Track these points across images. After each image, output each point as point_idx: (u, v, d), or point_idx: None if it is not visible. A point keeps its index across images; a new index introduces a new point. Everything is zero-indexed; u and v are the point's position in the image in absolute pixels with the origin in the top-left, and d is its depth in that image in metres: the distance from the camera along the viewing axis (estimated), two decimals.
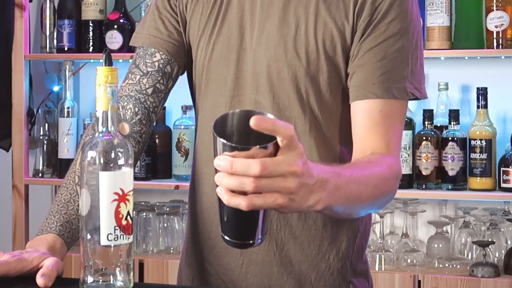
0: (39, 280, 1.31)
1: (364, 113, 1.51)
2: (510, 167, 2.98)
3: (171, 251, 3.31)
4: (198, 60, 1.60)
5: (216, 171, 1.17)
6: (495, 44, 3.02)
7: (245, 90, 1.56)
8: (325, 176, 1.24)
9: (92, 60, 3.47)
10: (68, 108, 3.43)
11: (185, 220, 3.22)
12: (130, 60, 3.47)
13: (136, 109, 1.58)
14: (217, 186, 1.17)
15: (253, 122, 1.13)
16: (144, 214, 3.33)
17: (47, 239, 1.46)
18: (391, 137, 1.51)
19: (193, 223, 1.64)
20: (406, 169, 3.05)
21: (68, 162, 3.41)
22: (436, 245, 3.11)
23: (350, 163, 1.48)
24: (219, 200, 1.18)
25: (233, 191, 1.16)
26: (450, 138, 3.05)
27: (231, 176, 1.14)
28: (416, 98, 1.55)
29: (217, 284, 1.58)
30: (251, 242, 1.21)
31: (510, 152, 3.01)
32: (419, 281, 2.99)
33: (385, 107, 1.51)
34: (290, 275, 1.56)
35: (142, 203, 3.39)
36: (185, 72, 1.67)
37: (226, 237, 1.21)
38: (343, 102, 1.55)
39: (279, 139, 1.16)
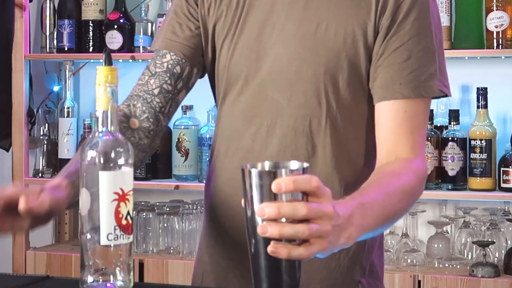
0: (21, 203, 1.30)
1: (389, 114, 1.52)
2: (510, 167, 2.98)
3: (171, 251, 3.31)
4: (221, 61, 1.62)
5: (249, 216, 1.18)
6: (495, 44, 3.01)
7: (264, 89, 1.57)
8: (349, 211, 1.26)
9: (92, 60, 3.48)
10: (68, 108, 3.43)
11: (185, 220, 3.23)
12: (130, 60, 3.48)
13: (144, 108, 1.61)
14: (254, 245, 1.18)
15: (274, 187, 1.14)
16: (144, 214, 3.33)
17: (51, 182, 1.41)
18: (416, 137, 1.52)
19: (208, 218, 1.66)
20: None
21: (68, 162, 3.42)
22: (436, 245, 3.11)
23: (373, 179, 1.47)
24: (256, 257, 1.18)
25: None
26: (450, 138, 3.05)
27: (284, 225, 1.15)
28: (445, 96, 1.56)
29: (229, 278, 1.59)
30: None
31: (510, 152, 3.01)
32: (419, 281, 2.98)
33: (411, 108, 1.52)
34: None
35: (142, 203, 3.39)
36: (205, 74, 1.69)
37: None
38: (360, 101, 1.56)
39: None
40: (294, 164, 1.19)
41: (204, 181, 3.27)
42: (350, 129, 1.57)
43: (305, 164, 1.19)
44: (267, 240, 1.16)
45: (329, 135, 1.55)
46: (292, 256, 1.16)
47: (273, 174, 1.15)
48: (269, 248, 1.15)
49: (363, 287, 1.61)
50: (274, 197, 1.15)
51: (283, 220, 1.15)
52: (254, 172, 1.16)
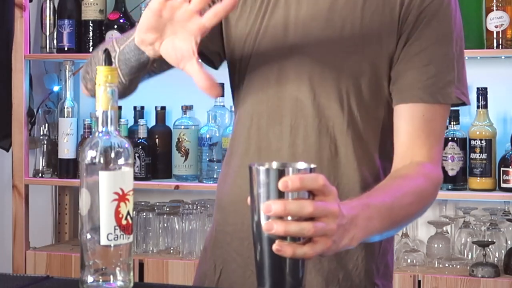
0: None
1: (407, 118, 1.54)
2: (510, 167, 2.98)
3: (171, 251, 3.31)
4: (243, 58, 1.61)
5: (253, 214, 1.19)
6: (495, 44, 3.02)
7: (287, 88, 1.57)
8: (354, 213, 1.27)
9: None
10: (68, 108, 3.43)
11: (185, 220, 3.23)
12: None
13: None
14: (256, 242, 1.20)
15: (281, 185, 1.16)
16: (144, 214, 3.33)
17: None
18: (432, 142, 1.54)
19: (223, 215, 1.65)
20: None
21: (68, 162, 3.43)
22: (436, 245, 3.11)
23: (384, 183, 1.49)
24: (260, 256, 1.19)
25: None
26: (450, 138, 3.05)
27: (290, 222, 1.16)
28: (463, 104, 1.58)
29: (246, 275, 1.59)
30: (303, 286, 1.21)
31: (510, 152, 3.01)
32: (419, 281, 2.99)
33: (428, 112, 1.54)
34: (318, 272, 1.56)
35: (142, 203, 3.39)
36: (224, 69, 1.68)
37: None
38: (380, 104, 1.58)
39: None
40: (301, 165, 1.20)
41: (205, 181, 3.29)
42: (369, 132, 1.58)
43: (312, 165, 1.20)
44: (272, 239, 1.17)
45: (350, 136, 1.56)
46: (296, 255, 1.17)
47: (280, 172, 1.17)
48: (274, 246, 1.16)
49: None
50: (280, 195, 1.16)
51: (289, 218, 1.16)
52: (261, 170, 1.18)
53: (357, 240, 1.27)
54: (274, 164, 1.21)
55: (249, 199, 1.20)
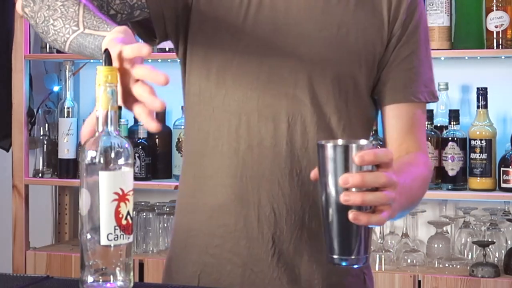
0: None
1: (399, 116, 1.63)
2: (510, 167, 2.98)
3: None
4: (224, 52, 1.59)
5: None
6: (495, 44, 3.02)
7: (280, 85, 1.58)
8: None
9: (92, 60, 3.47)
10: (68, 108, 3.43)
11: None
12: None
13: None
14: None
15: (357, 160, 1.24)
16: (144, 214, 3.33)
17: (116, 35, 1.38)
18: (421, 136, 1.66)
19: (204, 218, 1.62)
20: None
21: (68, 162, 3.43)
22: (436, 245, 3.11)
23: (398, 166, 1.55)
24: (330, 225, 1.27)
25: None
26: (450, 138, 3.05)
27: (365, 193, 1.24)
28: (436, 100, 1.69)
29: (246, 275, 1.59)
30: (367, 255, 1.30)
31: (510, 152, 3.01)
32: (419, 281, 2.99)
33: (418, 110, 1.65)
34: (319, 263, 1.59)
35: (142, 203, 3.39)
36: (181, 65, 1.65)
37: (342, 257, 1.29)
38: (372, 104, 1.65)
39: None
40: (363, 141, 1.28)
41: None
42: (362, 129, 1.64)
43: (374, 142, 1.29)
44: (340, 210, 1.25)
45: (347, 133, 1.60)
46: (371, 222, 1.25)
47: (345, 148, 1.26)
48: (350, 215, 1.24)
49: (368, 279, 1.70)
50: (345, 169, 1.25)
51: (353, 190, 1.25)
52: (329, 146, 1.26)
53: (396, 213, 1.34)
54: (340, 141, 1.29)
55: (312, 173, 1.29)
